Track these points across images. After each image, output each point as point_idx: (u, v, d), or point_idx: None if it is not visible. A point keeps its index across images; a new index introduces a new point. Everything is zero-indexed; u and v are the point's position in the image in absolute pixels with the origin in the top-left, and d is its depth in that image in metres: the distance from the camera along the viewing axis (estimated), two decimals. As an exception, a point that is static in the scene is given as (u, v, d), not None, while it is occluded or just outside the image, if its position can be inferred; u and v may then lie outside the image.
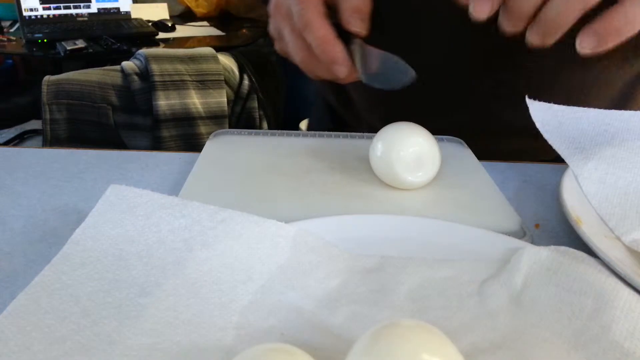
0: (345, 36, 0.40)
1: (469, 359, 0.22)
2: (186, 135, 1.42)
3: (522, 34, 0.36)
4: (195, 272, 0.28)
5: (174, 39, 1.80)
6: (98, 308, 0.25)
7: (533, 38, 0.35)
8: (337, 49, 0.40)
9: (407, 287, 0.29)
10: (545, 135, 0.41)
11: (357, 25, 0.40)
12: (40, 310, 0.24)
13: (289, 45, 0.43)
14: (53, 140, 1.33)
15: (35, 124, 2.19)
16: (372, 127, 0.64)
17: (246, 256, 0.29)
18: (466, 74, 0.54)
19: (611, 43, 0.33)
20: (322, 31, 0.39)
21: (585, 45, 0.34)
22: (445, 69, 0.54)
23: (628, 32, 0.33)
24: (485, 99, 0.55)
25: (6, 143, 2.14)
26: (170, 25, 1.87)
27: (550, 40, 0.34)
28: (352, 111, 0.67)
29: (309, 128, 0.81)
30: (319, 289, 0.28)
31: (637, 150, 0.42)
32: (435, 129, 0.42)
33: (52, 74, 1.34)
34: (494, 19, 0.35)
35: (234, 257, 0.29)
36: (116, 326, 0.24)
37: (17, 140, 2.22)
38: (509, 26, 0.35)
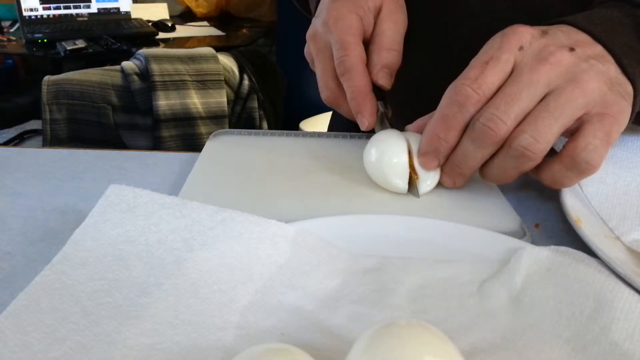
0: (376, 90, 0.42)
1: (469, 359, 0.22)
2: (186, 135, 1.42)
3: None
4: (195, 272, 0.28)
5: (174, 39, 1.80)
6: (98, 308, 0.25)
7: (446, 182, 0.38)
8: (370, 103, 0.41)
9: (407, 287, 0.29)
10: None
11: (385, 80, 0.42)
12: (40, 310, 0.24)
13: (319, 81, 0.44)
14: (53, 140, 1.33)
15: (35, 124, 2.19)
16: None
17: (246, 256, 0.29)
18: None
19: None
20: (362, 82, 0.41)
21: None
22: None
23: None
24: None
25: (6, 143, 2.14)
26: (170, 25, 1.87)
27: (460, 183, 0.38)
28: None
29: (330, 129, 0.82)
30: (319, 289, 0.28)
31: (636, 150, 0.42)
32: None
33: (52, 74, 1.34)
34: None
35: (234, 257, 0.29)
36: (116, 326, 0.24)
37: (17, 140, 2.22)
38: (448, 182, 0.38)
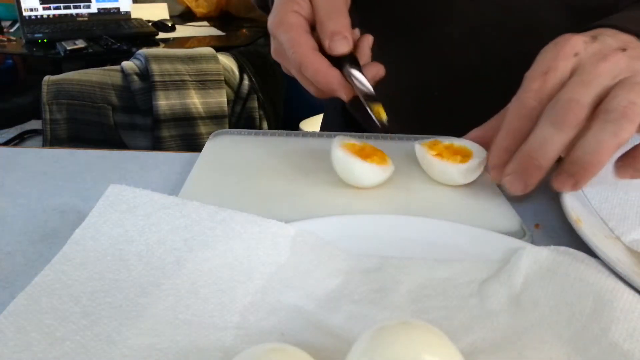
0: (339, 62, 0.41)
1: (469, 359, 0.22)
2: (186, 135, 1.42)
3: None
4: (195, 272, 0.28)
5: (174, 39, 1.80)
6: (98, 308, 0.25)
7: (562, 184, 0.35)
8: (332, 78, 0.40)
9: (407, 287, 0.29)
10: None
11: (339, 46, 0.40)
12: (40, 310, 0.24)
13: (302, 84, 0.44)
14: (53, 140, 1.33)
15: (35, 124, 2.19)
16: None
17: (246, 256, 0.29)
18: (471, 82, 0.54)
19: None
20: (315, 64, 0.40)
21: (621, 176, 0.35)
22: (452, 75, 0.54)
23: None
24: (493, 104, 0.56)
25: (6, 143, 2.14)
26: (170, 25, 1.87)
27: (584, 184, 0.34)
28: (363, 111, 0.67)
29: (322, 129, 0.82)
30: (319, 289, 0.28)
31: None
32: (441, 130, 0.43)
33: (52, 74, 1.34)
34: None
35: (234, 257, 0.29)
36: (116, 326, 0.24)
37: (17, 140, 2.22)
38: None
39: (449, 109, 0.53)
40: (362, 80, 0.39)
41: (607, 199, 0.36)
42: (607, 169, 0.38)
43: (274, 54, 0.45)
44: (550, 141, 0.33)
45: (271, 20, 0.43)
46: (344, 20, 0.41)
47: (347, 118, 0.70)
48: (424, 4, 0.53)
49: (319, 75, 0.40)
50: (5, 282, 0.30)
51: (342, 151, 0.38)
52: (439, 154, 0.40)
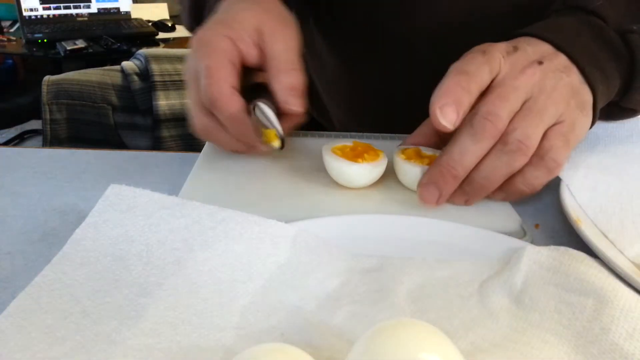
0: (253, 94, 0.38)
1: (469, 359, 0.22)
2: (186, 135, 1.42)
3: None
4: (195, 272, 0.28)
5: (174, 39, 1.80)
6: (98, 308, 0.25)
7: (457, 198, 0.37)
8: (249, 130, 0.38)
9: (407, 287, 0.29)
10: None
11: (294, 104, 0.38)
12: (40, 310, 0.24)
13: (191, 112, 0.40)
14: (53, 140, 1.33)
15: (35, 124, 2.19)
16: (346, 127, 0.65)
17: (246, 256, 0.29)
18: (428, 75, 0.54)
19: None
20: (231, 108, 0.37)
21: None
22: (416, 77, 0.53)
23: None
24: None
25: (6, 143, 2.14)
26: (170, 25, 1.87)
27: (474, 202, 0.37)
28: (326, 115, 0.68)
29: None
30: (319, 289, 0.28)
31: (622, 156, 0.41)
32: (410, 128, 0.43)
33: (52, 74, 1.34)
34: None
35: (234, 257, 0.29)
36: (116, 326, 0.24)
37: (17, 140, 2.22)
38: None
39: (414, 110, 0.53)
40: (272, 118, 0.37)
41: (601, 209, 0.36)
42: (594, 176, 0.38)
43: (185, 72, 0.40)
44: (468, 152, 0.34)
45: (200, 35, 0.39)
46: (300, 74, 0.39)
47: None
48: (389, 19, 0.53)
49: (234, 122, 0.38)
50: (5, 282, 0.30)
51: (332, 156, 0.38)
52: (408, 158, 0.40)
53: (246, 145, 0.40)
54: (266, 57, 0.39)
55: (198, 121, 0.40)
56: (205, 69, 0.37)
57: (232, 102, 0.37)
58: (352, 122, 0.65)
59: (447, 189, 0.36)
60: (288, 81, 0.38)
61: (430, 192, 0.36)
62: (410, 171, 0.38)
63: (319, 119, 0.70)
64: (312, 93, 0.66)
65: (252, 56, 0.39)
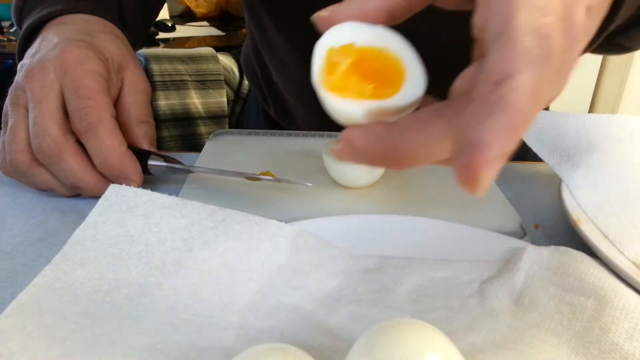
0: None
1: (469, 359, 0.22)
2: (186, 135, 1.41)
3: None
4: (195, 272, 0.28)
5: (174, 39, 1.80)
6: (98, 308, 0.25)
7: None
8: (132, 161, 0.36)
9: (407, 288, 0.29)
10: (526, 140, 0.40)
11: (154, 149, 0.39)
12: (40, 310, 0.24)
13: (33, 130, 0.35)
14: (53, 140, 1.33)
15: (35, 124, 2.18)
16: (309, 124, 0.64)
17: (246, 256, 0.29)
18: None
19: None
20: (115, 140, 0.35)
21: None
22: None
23: None
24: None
25: (6, 143, 2.13)
26: (170, 25, 1.87)
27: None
28: (290, 118, 0.67)
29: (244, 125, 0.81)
30: (319, 289, 0.28)
31: (620, 156, 0.41)
32: None
33: (52, 74, 1.34)
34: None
35: (234, 257, 0.29)
36: (116, 326, 0.24)
37: (17, 140, 2.21)
38: None
39: None
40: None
41: (600, 210, 0.36)
42: (594, 177, 0.38)
43: (24, 77, 0.37)
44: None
45: (62, 49, 0.36)
46: (153, 126, 0.40)
47: (268, 119, 0.71)
48: None
49: (118, 155, 0.36)
50: (6, 282, 0.30)
51: (332, 156, 0.38)
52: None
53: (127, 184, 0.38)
54: (122, 103, 0.39)
55: (22, 156, 0.35)
56: (81, 88, 0.35)
57: (115, 131, 0.36)
58: (316, 121, 0.64)
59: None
60: (144, 131, 0.39)
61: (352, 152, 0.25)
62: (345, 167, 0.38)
63: (281, 123, 0.70)
64: (273, 95, 0.66)
65: (111, 90, 0.38)
